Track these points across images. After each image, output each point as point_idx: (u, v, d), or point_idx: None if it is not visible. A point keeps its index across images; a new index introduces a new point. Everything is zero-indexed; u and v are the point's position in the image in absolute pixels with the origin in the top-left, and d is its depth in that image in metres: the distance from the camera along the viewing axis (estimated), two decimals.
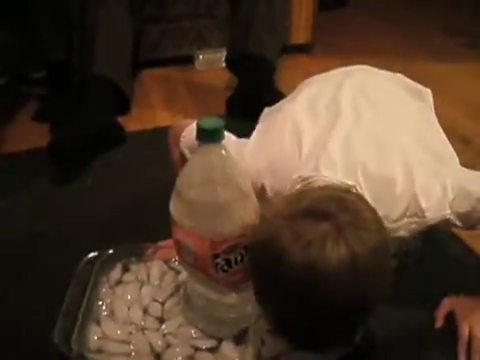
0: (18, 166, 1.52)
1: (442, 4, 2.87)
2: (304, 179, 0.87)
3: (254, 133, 1.04)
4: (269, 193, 0.93)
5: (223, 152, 0.79)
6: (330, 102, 1.01)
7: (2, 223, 1.27)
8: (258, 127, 1.06)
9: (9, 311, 1.02)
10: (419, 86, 1.11)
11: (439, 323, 0.99)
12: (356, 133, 0.94)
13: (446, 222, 0.89)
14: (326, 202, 0.75)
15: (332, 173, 0.87)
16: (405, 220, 0.88)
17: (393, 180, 0.88)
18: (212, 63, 2.15)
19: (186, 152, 1.02)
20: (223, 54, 2.06)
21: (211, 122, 0.77)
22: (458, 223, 0.89)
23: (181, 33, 2.15)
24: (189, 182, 0.80)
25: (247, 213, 0.81)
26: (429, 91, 1.09)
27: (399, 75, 1.13)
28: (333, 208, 0.74)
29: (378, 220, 0.76)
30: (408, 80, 1.12)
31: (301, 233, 0.72)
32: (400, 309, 1.00)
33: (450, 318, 0.99)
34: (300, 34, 2.26)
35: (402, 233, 0.89)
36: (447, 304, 1.00)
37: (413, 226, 0.89)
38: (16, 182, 1.43)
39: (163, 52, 2.15)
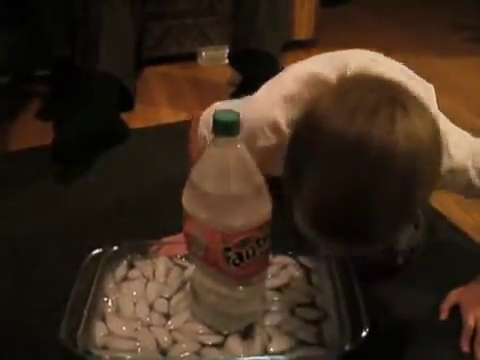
0: (22, 164, 1.51)
1: None
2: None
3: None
4: (283, 126, 0.90)
5: (238, 146, 0.79)
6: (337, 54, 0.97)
7: (6, 221, 1.27)
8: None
9: (14, 309, 1.02)
10: (422, 80, 1.09)
11: (444, 315, 0.99)
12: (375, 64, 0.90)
13: (461, 175, 0.86)
14: (378, 94, 0.68)
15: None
16: None
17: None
18: (215, 60, 2.15)
19: (205, 133, 1.02)
20: (226, 51, 2.06)
21: (227, 115, 0.78)
22: (471, 178, 0.86)
23: (184, 30, 2.15)
24: (203, 174, 0.80)
25: (260, 207, 0.81)
26: (432, 87, 1.08)
27: (403, 66, 1.12)
28: (387, 97, 0.67)
29: (435, 121, 0.70)
30: (412, 72, 1.10)
31: (349, 100, 0.66)
32: (404, 301, 1.01)
33: (455, 311, 0.99)
34: (302, 30, 2.26)
35: None
36: (453, 297, 1.00)
37: None
38: (20, 180, 1.43)
39: (166, 49, 2.15)
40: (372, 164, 0.65)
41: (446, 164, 0.83)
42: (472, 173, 0.86)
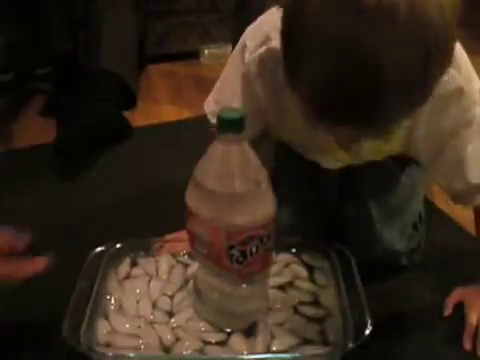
0: (24, 162, 1.52)
1: None
2: None
3: None
4: None
5: (243, 143, 0.79)
6: None
7: (8, 219, 1.27)
8: None
9: (16, 306, 1.02)
10: None
11: (447, 311, 0.99)
12: None
13: (466, 100, 0.82)
14: None
15: None
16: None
17: None
18: (218, 58, 2.15)
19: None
20: (229, 49, 2.06)
21: (232, 112, 0.78)
22: (471, 116, 0.83)
23: (187, 28, 2.16)
24: (207, 172, 0.80)
25: (264, 205, 0.81)
26: None
27: None
28: None
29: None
30: None
31: None
32: (406, 299, 1.01)
33: (459, 307, 0.99)
34: None
35: None
36: (457, 293, 1.00)
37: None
38: (22, 178, 1.43)
39: (169, 47, 2.16)
40: (369, 22, 0.58)
41: (462, 83, 0.83)
42: (477, 110, 0.83)
